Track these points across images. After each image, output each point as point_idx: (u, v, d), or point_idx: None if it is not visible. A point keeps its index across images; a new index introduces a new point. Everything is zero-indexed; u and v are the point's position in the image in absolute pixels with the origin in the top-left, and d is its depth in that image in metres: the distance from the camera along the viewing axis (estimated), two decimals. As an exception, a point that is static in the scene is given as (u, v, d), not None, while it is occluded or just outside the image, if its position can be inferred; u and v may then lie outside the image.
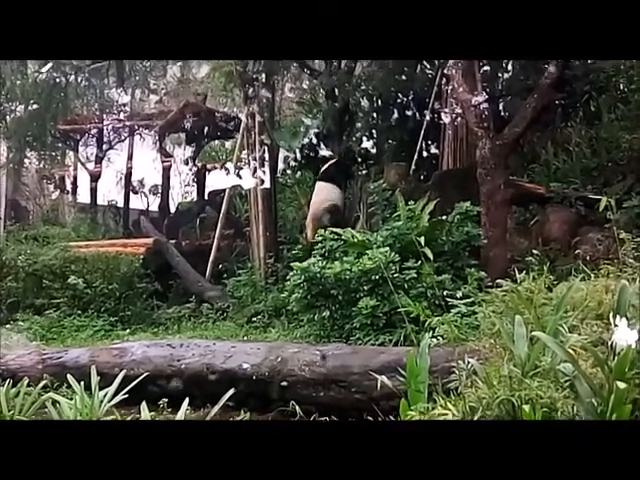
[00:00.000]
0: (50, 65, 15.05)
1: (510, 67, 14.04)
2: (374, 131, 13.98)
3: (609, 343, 3.99)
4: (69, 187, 20.69)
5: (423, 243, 9.17)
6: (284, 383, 7.28)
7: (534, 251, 7.47)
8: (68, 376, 6.13)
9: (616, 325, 3.98)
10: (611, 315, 4.18)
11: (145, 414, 5.07)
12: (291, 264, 9.81)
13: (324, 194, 12.71)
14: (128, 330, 11.57)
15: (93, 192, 19.47)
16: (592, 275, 6.23)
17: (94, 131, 19.18)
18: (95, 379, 5.75)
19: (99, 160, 19.50)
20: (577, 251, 8.57)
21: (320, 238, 9.91)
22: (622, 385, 3.74)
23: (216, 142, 19.77)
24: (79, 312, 12.08)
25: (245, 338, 10.44)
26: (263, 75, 13.64)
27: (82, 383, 5.74)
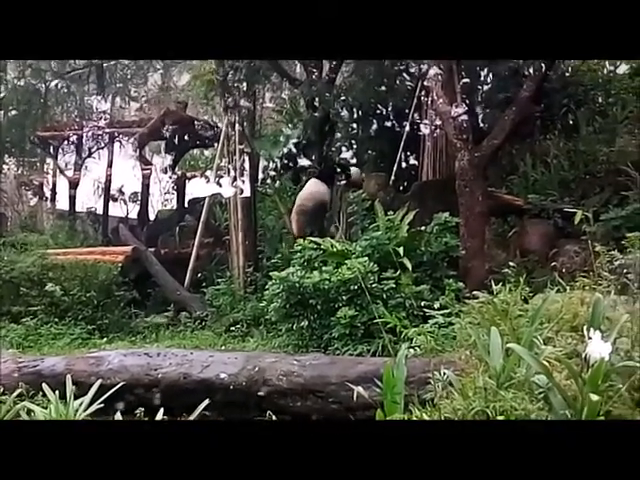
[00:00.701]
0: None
1: (489, 79, 14.15)
2: (354, 141, 14.02)
3: (583, 355, 4.02)
4: (48, 194, 20.56)
5: (402, 253, 9.22)
6: (261, 393, 7.27)
7: (511, 263, 7.50)
8: (43, 385, 6.08)
9: (590, 338, 4.01)
10: (585, 327, 4.22)
11: (120, 424, 5.04)
12: (270, 273, 9.81)
13: (313, 188, 12.74)
14: (105, 339, 11.50)
15: (72, 199, 19.34)
16: (568, 287, 6.28)
17: (73, 138, 19.07)
18: (70, 388, 5.70)
19: (78, 167, 19.39)
20: (554, 263, 8.64)
21: (299, 247, 9.91)
22: (595, 397, 3.78)
23: (196, 150, 19.75)
24: (56, 320, 11.96)
25: (223, 347, 10.41)
26: (244, 84, 13.63)
27: (57, 392, 5.69)
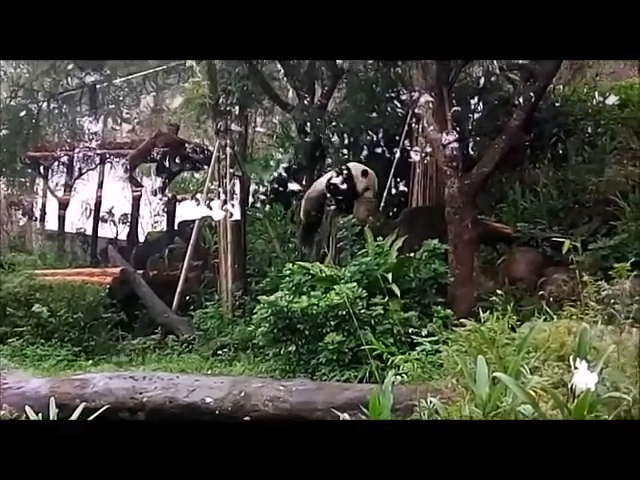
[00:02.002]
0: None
1: (480, 108, 14.24)
2: (344, 167, 14.04)
3: (569, 386, 4.02)
4: (37, 214, 20.50)
5: (391, 279, 9.22)
6: (247, 418, 7.23)
7: (498, 291, 7.51)
8: (26, 407, 6.02)
9: (576, 368, 4.01)
10: (572, 357, 4.22)
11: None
12: (258, 297, 9.78)
13: (318, 181, 13.03)
14: (91, 361, 11.42)
15: (61, 220, 19.30)
16: (555, 316, 6.29)
17: (64, 159, 19.06)
18: (53, 411, 5.65)
19: (68, 188, 19.37)
20: (541, 292, 8.65)
21: (288, 272, 9.90)
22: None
23: (187, 173, 19.77)
24: (42, 341, 11.88)
25: (210, 371, 10.35)
26: (236, 108, 13.68)
27: (40, 415, 5.64)
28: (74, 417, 5.67)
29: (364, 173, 12.21)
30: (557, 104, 14.37)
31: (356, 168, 12.35)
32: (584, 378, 3.95)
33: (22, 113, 17.06)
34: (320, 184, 12.76)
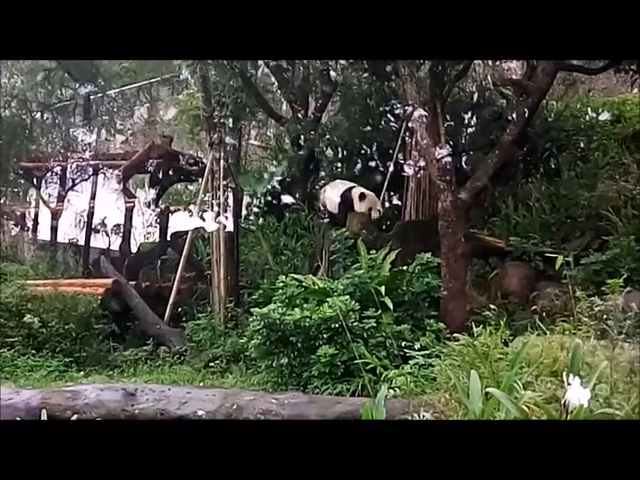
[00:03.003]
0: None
1: (473, 122, 14.30)
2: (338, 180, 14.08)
3: (562, 401, 4.03)
4: (30, 224, 20.43)
5: (383, 292, 9.21)
6: (239, 431, 7.19)
7: (491, 305, 7.53)
8: (17, 419, 6.00)
9: (569, 383, 4.02)
10: (565, 373, 4.23)
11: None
12: (251, 309, 9.77)
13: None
14: (82, 372, 11.37)
15: (54, 230, 19.23)
16: (548, 331, 6.30)
17: (57, 169, 19.01)
18: (45, 423, 5.63)
19: (61, 198, 19.31)
20: (534, 306, 8.67)
21: (281, 284, 9.89)
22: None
23: (180, 185, 19.75)
24: (33, 352, 11.82)
25: (202, 383, 10.32)
26: (230, 120, 13.70)
27: (32, 427, 5.61)
28: (66, 429, 5.65)
29: (361, 197, 12.12)
30: (550, 119, 14.45)
31: (355, 192, 12.23)
32: (577, 394, 3.95)
33: (16, 124, 17.02)
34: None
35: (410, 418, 5.01)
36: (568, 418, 3.91)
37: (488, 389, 4.55)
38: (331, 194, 12.65)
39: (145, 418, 7.56)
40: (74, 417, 5.93)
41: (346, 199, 12.20)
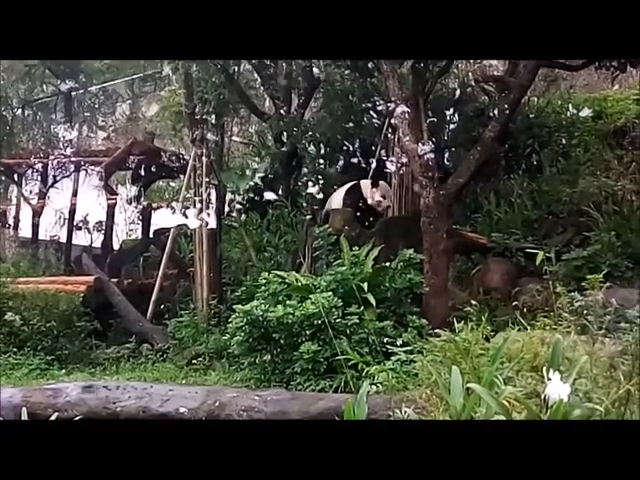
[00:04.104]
0: None
1: (455, 119, 14.33)
2: (321, 176, 14.07)
3: (542, 396, 4.05)
4: (11, 221, 20.29)
5: (366, 289, 9.23)
6: (221, 428, 7.19)
7: (473, 301, 7.56)
8: (-2, 418, 5.96)
9: (549, 378, 4.04)
10: (545, 368, 4.25)
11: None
12: (234, 306, 9.75)
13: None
14: (64, 370, 11.32)
15: (35, 227, 19.10)
16: (529, 327, 6.33)
17: (39, 166, 18.88)
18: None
19: (43, 195, 19.18)
20: (515, 302, 8.71)
21: (264, 281, 9.88)
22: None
23: (162, 181, 19.67)
24: (15, 350, 11.76)
25: (184, 380, 10.30)
26: (212, 117, 13.65)
27: (12, 425, 5.57)
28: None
29: (374, 184, 12.38)
30: (532, 116, 14.50)
31: (364, 183, 12.52)
32: (557, 389, 3.98)
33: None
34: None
35: (392, 414, 5.03)
36: (548, 413, 3.93)
37: (469, 384, 4.56)
38: (335, 196, 12.89)
39: (127, 416, 7.54)
40: (54, 415, 5.89)
41: (354, 191, 12.47)
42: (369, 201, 12.29)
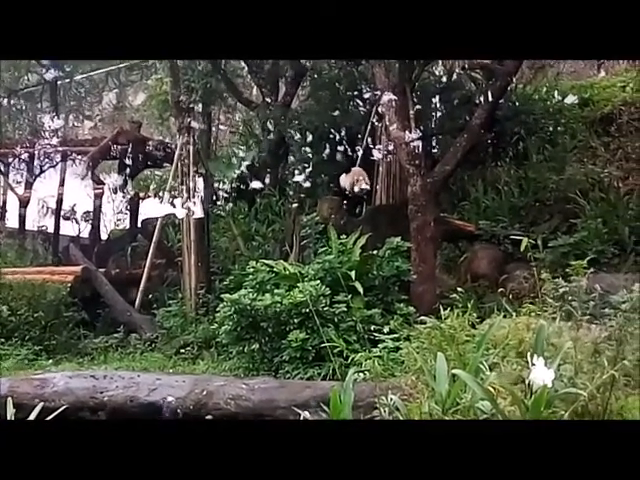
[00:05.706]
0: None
1: (442, 106, 14.33)
2: (308, 165, 14.06)
3: (526, 382, 4.07)
4: (-3, 212, 20.19)
5: (354, 277, 9.24)
6: (209, 417, 7.20)
7: (459, 288, 7.58)
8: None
9: (533, 364, 4.06)
10: (529, 354, 4.27)
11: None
12: (222, 295, 9.74)
13: None
14: (52, 360, 11.29)
15: (22, 217, 19.02)
16: (515, 313, 6.36)
17: (25, 156, 18.78)
18: (10, 411, 5.58)
19: (29, 185, 19.08)
20: (501, 289, 8.74)
21: (251, 270, 9.88)
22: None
23: (149, 170, 19.60)
24: (2, 340, 11.71)
25: (172, 370, 10.29)
26: (199, 105, 13.61)
27: (-2, 415, 5.56)
28: (32, 417, 5.61)
29: (346, 171, 12.56)
30: (518, 103, 14.52)
31: (342, 178, 12.74)
32: (541, 374, 4.00)
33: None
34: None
35: (377, 401, 5.05)
36: (532, 398, 3.95)
37: (454, 371, 4.58)
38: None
39: (115, 405, 7.53)
40: (40, 405, 5.86)
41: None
42: (346, 192, 12.33)
